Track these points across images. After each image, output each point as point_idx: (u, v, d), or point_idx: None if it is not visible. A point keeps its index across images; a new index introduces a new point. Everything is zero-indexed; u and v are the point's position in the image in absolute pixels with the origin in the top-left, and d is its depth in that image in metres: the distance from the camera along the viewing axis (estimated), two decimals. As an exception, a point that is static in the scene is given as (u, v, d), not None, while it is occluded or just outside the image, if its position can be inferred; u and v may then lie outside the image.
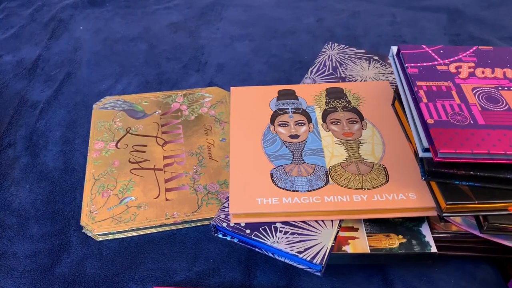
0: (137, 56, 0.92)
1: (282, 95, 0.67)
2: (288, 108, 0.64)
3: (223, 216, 0.53)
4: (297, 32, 0.99)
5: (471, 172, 0.46)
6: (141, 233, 0.60)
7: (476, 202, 0.46)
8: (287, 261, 0.50)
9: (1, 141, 0.73)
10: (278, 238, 0.50)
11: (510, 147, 0.45)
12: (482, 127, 0.47)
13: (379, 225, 0.53)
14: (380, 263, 0.55)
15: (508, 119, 0.49)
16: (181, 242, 0.59)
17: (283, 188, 0.53)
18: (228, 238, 0.53)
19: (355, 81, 0.71)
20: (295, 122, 0.62)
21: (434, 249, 0.51)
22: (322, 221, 0.52)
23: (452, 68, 0.56)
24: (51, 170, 0.68)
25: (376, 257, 0.51)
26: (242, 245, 0.53)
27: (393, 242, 0.52)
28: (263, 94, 0.67)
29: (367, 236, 0.52)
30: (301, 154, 0.57)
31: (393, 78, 0.71)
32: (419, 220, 0.53)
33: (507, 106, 0.51)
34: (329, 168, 0.55)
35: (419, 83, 0.54)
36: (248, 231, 0.51)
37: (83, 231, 0.60)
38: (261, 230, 0.51)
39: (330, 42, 0.81)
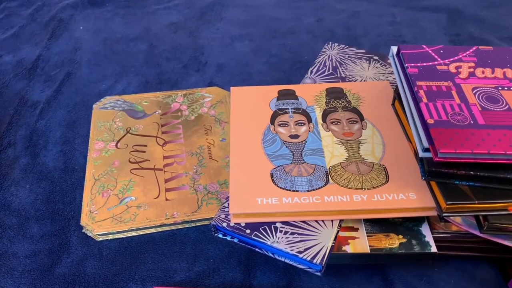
0: (137, 56, 0.92)
1: (282, 95, 0.67)
2: (288, 108, 0.64)
3: (223, 216, 0.53)
4: (297, 32, 0.99)
5: (471, 172, 0.46)
6: (141, 233, 0.60)
7: (476, 202, 0.46)
8: (287, 261, 0.50)
9: (1, 141, 0.73)
10: (278, 238, 0.50)
11: (510, 147, 0.45)
12: (482, 127, 0.47)
13: (379, 225, 0.53)
14: (380, 263, 0.55)
15: (508, 119, 0.49)
16: (181, 242, 0.59)
17: (283, 188, 0.53)
18: (228, 238, 0.53)
19: (355, 81, 0.71)
20: (295, 122, 0.62)
21: (434, 249, 0.51)
22: (322, 221, 0.52)
23: (452, 68, 0.56)
24: (51, 170, 0.68)
25: (376, 257, 0.51)
26: (242, 245, 0.53)
27: (393, 242, 0.52)
28: (263, 94, 0.67)
29: (367, 236, 0.52)
30: (301, 154, 0.57)
31: (393, 78, 0.71)
32: (419, 220, 0.53)
33: (507, 106, 0.51)
34: (329, 168, 0.55)
35: (419, 83, 0.54)
36: (248, 231, 0.51)
37: (83, 231, 0.60)
38: (261, 230, 0.51)
39: (330, 42, 0.81)
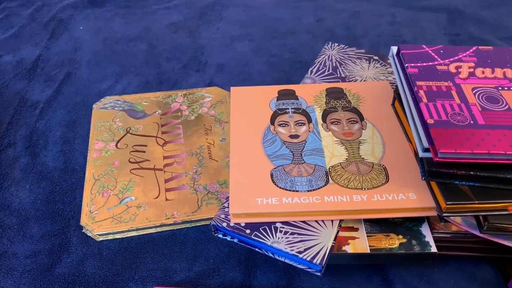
0: (137, 56, 0.92)
1: (282, 95, 0.67)
2: (288, 108, 0.64)
3: (223, 216, 0.53)
4: (297, 32, 0.99)
5: (471, 172, 0.46)
6: (141, 233, 0.60)
7: (476, 202, 0.46)
8: (287, 261, 0.50)
9: (1, 141, 0.73)
10: (278, 238, 0.50)
11: (510, 147, 0.45)
12: (482, 127, 0.47)
13: (379, 225, 0.53)
14: (380, 263, 0.55)
15: (508, 119, 0.49)
16: (181, 242, 0.59)
17: (283, 188, 0.53)
18: (228, 238, 0.53)
19: (355, 81, 0.71)
20: (295, 122, 0.62)
21: (434, 249, 0.51)
22: (322, 221, 0.52)
23: (452, 68, 0.56)
24: (51, 170, 0.68)
25: (376, 257, 0.51)
26: (242, 245, 0.53)
27: (393, 242, 0.52)
28: (263, 94, 0.67)
29: (367, 236, 0.52)
30: (301, 154, 0.57)
31: (393, 78, 0.71)
32: (419, 220, 0.53)
33: (507, 106, 0.51)
34: (329, 168, 0.55)
35: (419, 83, 0.54)
36: (248, 231, 0.51)
37: (83, 231, 0.60)
38: (261, 230, 0.51)
39: (330, 42, 0.81)
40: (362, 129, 0.61)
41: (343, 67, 0.74)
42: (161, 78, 0.86)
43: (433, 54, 0.58)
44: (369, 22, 1.02)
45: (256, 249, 0.52)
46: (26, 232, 0.60)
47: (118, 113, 0.75)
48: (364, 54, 0.77)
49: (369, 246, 0.51)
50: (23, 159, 0.70)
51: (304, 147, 0.58)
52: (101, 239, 0.59)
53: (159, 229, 0.60)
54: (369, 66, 0.75)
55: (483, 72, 0.55)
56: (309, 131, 0.60)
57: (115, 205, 0.61)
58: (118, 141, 0.70)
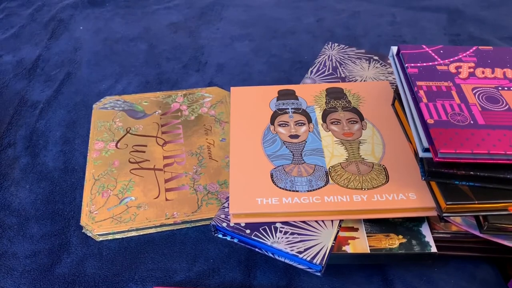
0: (137, 56, 0.92)
1: (282, 95, 0.67)
2: (288, 108, 0.64)
3: (223, 216, 0.53)
4: (297, 32, 0.99)
5: (471, 172, 0.46)
6: (141, 233, 0.60)
7: (476, 202, 0.46)
8: (287, 261, 0.50)
9: (1, 141, 0.73)
10: (278, 238, 0.50)
11: (510, 147, 0.45)
12: (482, 127, 0.47)
13: (379, 225, 0.53)
14: (380, 263, 0.55)
15: (508, 119, 0.49)
16: (181, 242, 0.59)
17: (283, 188, 0.53)
18: (228, 238, 0.53)
19: (355, 81, 0.71)
20: (295, 122, 0.62)
21: (434, 249, 0.51)
22: (322, 221, 0.52)
23: (452, 68, 0.56)
24: (51, 170, 0.68)
25: (376, 257, 0.51)
26: (242, 245, 0.53)
27: (393, 242, 0.52)
28: (263, 94, 0.67)
29: (367, 236, 0.52)
30: (301, 154, 0.57)
31: (393, 78, 0.71)
32: (419, 220, 0.53)
33: (507, 106, 0.51)
34: (329, 168, 0.55)
35: (419, 83, 0.54)
36: (248, 231, 0.51)
37: (83, 231, 0.60)
38: (261, 230, 0.51)
39: (330, 42, 0.81)
40: (362, 129, 0.61)
41: (343, 67, 0.74)
42: (161, 78, 0.86)
43: (433, 54, 0.58)
44: (369, 22, 1.02)
45: (256, 249, 0.52)
46: (26, 232, 0.60)
47: (118, 113, 0.75)
48: (364, 54, 0.77)
49: (369, 246, 0.51)
50: (23, 159, 0.70)
51: (304, 147, 0.58)
52: (101, 239, 0.59)
53: (159, 229, 0.60)
54: (369, 66, 0.75)
55: (483, 72, 0.55)
56: (309, 131, 0.60)
57: (115, 205, 0.61)
58: (118, 141, 0.70)
